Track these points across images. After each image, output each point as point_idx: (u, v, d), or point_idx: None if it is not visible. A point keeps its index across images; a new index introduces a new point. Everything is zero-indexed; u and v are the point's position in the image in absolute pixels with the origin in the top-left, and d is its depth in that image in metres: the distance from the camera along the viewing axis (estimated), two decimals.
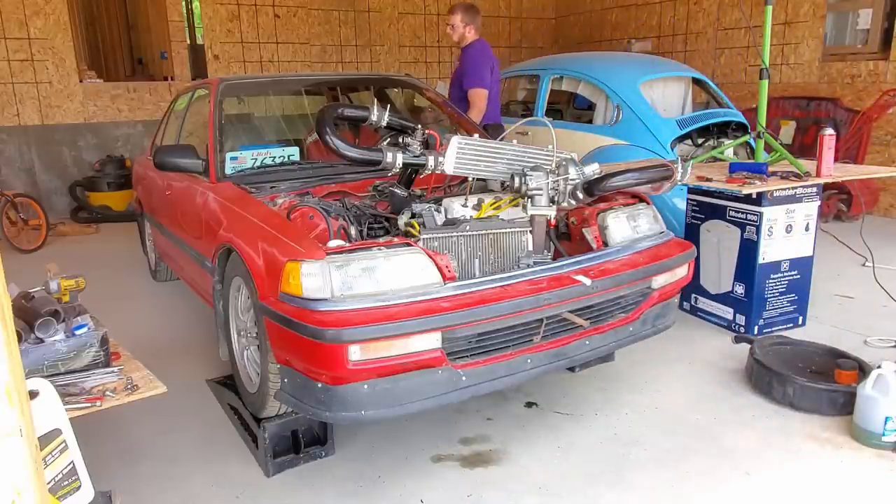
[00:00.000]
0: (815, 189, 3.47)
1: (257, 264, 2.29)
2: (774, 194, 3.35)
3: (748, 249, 3.44)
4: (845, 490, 2.27)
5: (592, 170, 2.60)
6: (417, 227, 2.40)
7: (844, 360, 2.83)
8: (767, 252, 3.42)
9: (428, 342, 2.04)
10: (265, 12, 8.17)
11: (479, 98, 4.39)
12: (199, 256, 3.14)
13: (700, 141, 4.87)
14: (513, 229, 2.46)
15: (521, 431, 2.66)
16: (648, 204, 2.87)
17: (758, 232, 3.38)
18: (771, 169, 3.53)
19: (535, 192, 2.45)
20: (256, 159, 3.20)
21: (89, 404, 1.80)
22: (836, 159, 3.50)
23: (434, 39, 9.45)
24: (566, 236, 2.81)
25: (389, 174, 2.86)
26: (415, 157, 2.54)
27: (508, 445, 2.56)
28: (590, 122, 5.24)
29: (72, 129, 7.24)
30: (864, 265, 4.56)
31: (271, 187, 2.93)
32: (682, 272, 2.72)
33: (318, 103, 4.13)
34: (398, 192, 2.69)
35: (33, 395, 1.35)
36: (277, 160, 3.24)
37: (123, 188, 6.94)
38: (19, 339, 1.80)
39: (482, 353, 2.21)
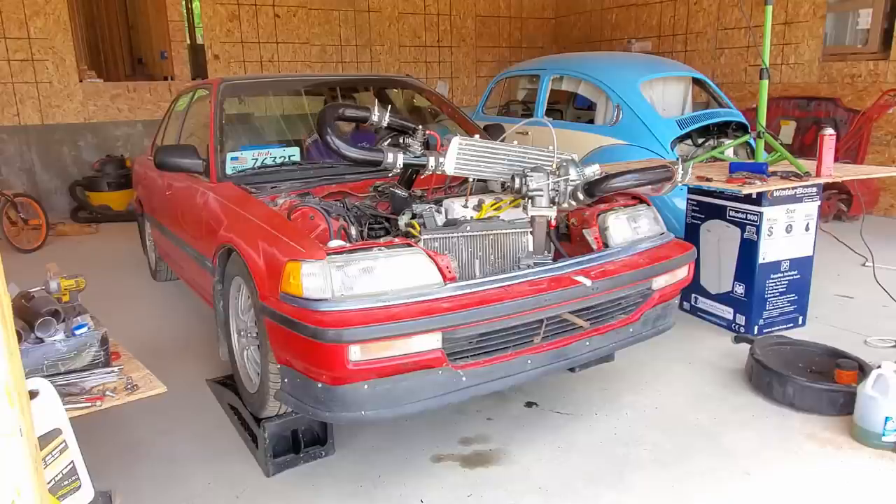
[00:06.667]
0: (815, 189, 3.47)
1: (258, 264, 2.29)
2: (774, 194, 3.35)
3: (748, 249, 3.44)
4: (845, 490, 2.27)
5: (593, 171, 2.60)
6: (418, 228, 2.40)
7: (844, 360, 2.83)
8: (767, 252, 3.42)
9: (428, 343, 2.04)
10: (265, 12, 8.17)
11: None
12: (199, 256, 3.14)
13: (700, 141, 4.87)
14: (513, 230, 2.46)
15: (521, 431, 2.66)
16: (649, 205, 2.87)
17: (758, 232, 3.38)
18: (771, 169, 3.53)
19: (535, 192, 2.45)
20: (257, 159, 3.20)
21: (89, 404, 1.80)
22: (836, 159, 3.50)
23: (434, 39, 9.45)
24: (566, 237, 2.81)
25: (390, 175, 2.87)
26: (415, 157, 2.54)
27: (508, 445, 2.56)
28: (590, 122, 5.24)
29: (72, 129, 7.24)
30: (864, 265, 4.56)
31: (272, 187, 2.93)
32: (682, 273, 2.72)
33: (318, 104, 4.13)
34: (399, 192, 2.69)
35: (33, 395, 1.35)
36: (278, 160, 3.24)
37: (123, 188, 6.94)
38: (19, 339, 1.80)
39: (482, 354, 2.21)
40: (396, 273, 2.13)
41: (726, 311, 3.62)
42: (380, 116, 2.68)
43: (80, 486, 1.42)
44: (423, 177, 2.76)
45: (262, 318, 2.23)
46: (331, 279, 2.05)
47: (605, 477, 2.36)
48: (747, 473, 2.37)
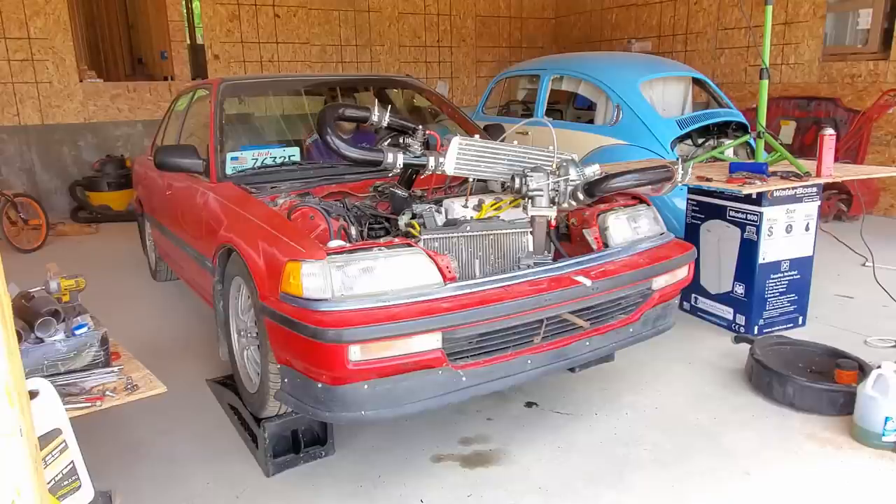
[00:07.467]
0: (815, 189, 3.47)
1: (258, 264, 2.29)
2: (774, 194, 3.35)
3: (748, 249, 3.44)
4: (845, 490, 2.27)
5: (593, 171, 2.60)
6: (418, 228, 2.40)
7: (844, 360, 2.83)
8: (767, 252, 3.42)
9: (428, 343, 2.04)
10: (265, 12, 8.17)
11: None
12: (199, 256, 3.14)
13: (700, 141, 4.88)
14: (513, 230, 2.46)
15: (521, 431, 2.66)
16: (649, 205, 2.87)
17: (758, 232, 3.38)
18: (771, 169, 3.53)
19: (535, 192, 2.45)
20: (257, 159, 3.20)
21: (89, 404, 1.80)
22: (836, 159, 3.50)
23: (434, 39, 9.45)
24: (566, 237, 2.81)
25: (390, 175, 2.86)
26: (415, 157, 2.54)
27: (508, 445, 2.56)
28: (590, 122, 5.24)
29: (72, 129, 7.24)
30: (864, 265, 4.56)
31: (272, 187, 2.93)
32: (682, 273, 2.72)
33: (318, 104, 4.13)
34: (399, 192, 2.69)
35: (33, 395, 1.35)
36: (278, 160, 3.24)
37: (123, 188, 6.94)
38: (19, 339, 1.80)
39: (482, 354, 2.21)
40: (396, 273, 2.13)
41: (726, 311, 3.62)
42: (380, 116, 2.69)
43: (80, 486, 1.42)
44: (423, 177, 2.76)
45: (262, 318, 2.23)
46: (331, 279, 2.05)
47: (605, 477, 2.36)
48: (747, 473, 2.37)
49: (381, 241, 2.29)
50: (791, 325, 3.60)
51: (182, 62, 7.85)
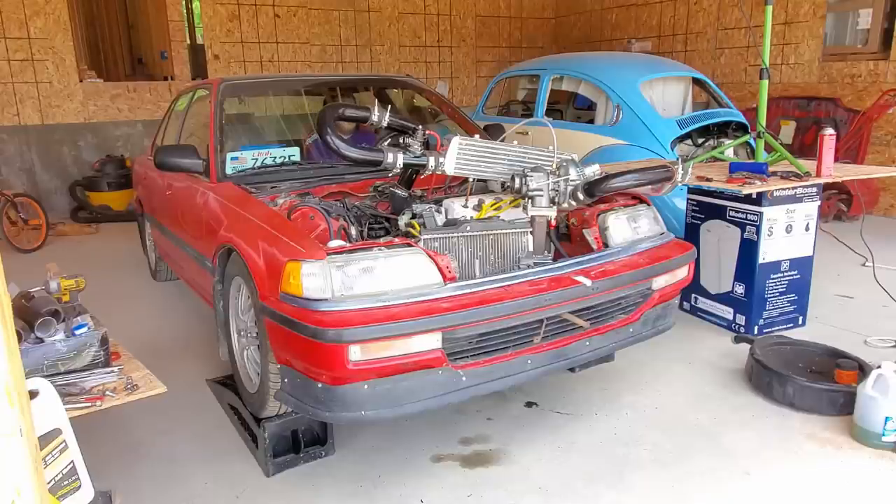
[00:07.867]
0: (815, 189, 3.47)
1: (258, 264, 2.29)
2: (774, 194, 3.35)
3: (748, 249, 3.44)
4: (845, 490, 2.27)
5: (593, 171, 2.60)
6: (418, 228, 2.40)
7: (844, 360, 2.83)
8: (767, 252, 3.42)
9: (428, 342, 2.04)
10: (265, 12, 8.17)
11: None
12: (199, 256, 3.14)
13: (700, 141, 4.88)
14: (513, 230, 2.46)
15: (521, 431, 2.66)
16: (649, 205, 2.87)
17: (758, 232, 3.38)
18: (771, 169, 3.53)
19: (535, 192, 2.45)
20: (257, 159, 3.20)
21: (89, 404, 1.80)
22: (836, 159, 3.50)
23: (434, 39, 9.45)
24: (566, 237, 2.81)
25: (390, 175, 2.87)
26: (415, 157, 2.54)
27: (508, 445, 2.56)
28: (590, 122, 5.24)
29: (72, 129, 7.24)
30: (864, 265, 4.56)
31: (272, 187, 2.93)
32: (682, 273, 2.72)
33: (318, 104, 4.13)
34: (399, 192, 2.70)
35: (33, 395, 1.35)
36: (278, 160, 3.25)
37: (123, 188, 6.94)
38: (19, 339, 1.80)
39: (482, 354, 2.21)
40: (396, 273, 2.13)
41: (726, 311, 3.62)
42: (380, 116, 2.68)
43: (80, 486, 1.42)
44: (423, 177, 2.76)
45: (262, 318, 2.23)
46: (331, 279, 2.05)
47: (605, 477, 2.36)
48: (747, 473, 2.37)
49: (381, 241, 2.29)
50: (791, 325, 3.60)
51: (182, 62, 7.85)
